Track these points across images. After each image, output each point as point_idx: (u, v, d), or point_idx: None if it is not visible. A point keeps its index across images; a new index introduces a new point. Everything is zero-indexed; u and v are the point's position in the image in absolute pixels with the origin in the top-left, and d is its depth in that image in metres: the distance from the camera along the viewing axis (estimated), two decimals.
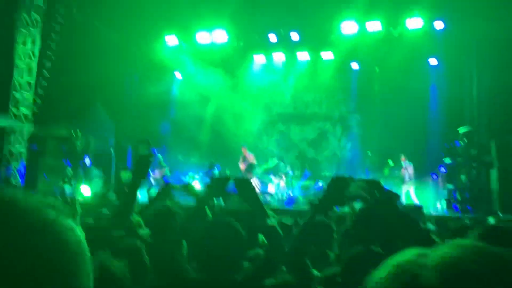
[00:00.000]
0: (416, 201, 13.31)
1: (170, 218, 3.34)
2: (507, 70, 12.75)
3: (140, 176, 2.86)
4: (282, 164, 16.42)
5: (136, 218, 3.03)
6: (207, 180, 14.26)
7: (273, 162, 16.43)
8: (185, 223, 2.69)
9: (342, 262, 2.07)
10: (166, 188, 3.88)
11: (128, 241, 2.71)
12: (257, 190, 13.21)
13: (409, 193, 13.72)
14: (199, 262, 2.22)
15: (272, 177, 15.92)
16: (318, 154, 18.19)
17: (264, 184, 16.02)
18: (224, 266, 2.11)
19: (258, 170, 16.62)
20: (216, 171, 14.79)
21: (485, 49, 14.05)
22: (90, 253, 0.78)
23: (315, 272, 2.32)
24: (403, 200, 12.94)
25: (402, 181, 13.91)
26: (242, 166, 15.08)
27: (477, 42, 14.21)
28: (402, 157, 14.26)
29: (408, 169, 14.05)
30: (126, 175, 3.38)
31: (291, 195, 14.99)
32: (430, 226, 5.56)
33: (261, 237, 3.18)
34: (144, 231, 3.35)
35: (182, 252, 2.75)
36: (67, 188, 13.45)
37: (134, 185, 2.83)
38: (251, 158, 15.10)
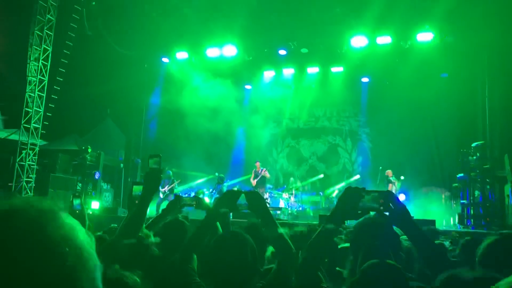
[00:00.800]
0: None
1: (180, 231, 3.32)
2: None
3: (150, 190, 2.83)
4: (292, 179, 16.35)
5: (145, 231, 2.98)
6: (216, 194, 14.22)
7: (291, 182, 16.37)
8: (195, 236, 2.64)
9: (358, 274, 1.99)
10: (175, 201, 3.83)
11: (140, 251, 2.67)
12: (268, 204, 13.12)
13: None
14: (210, 276, 2.18)
15: (282, 192, 15.86)
16: (328, 168, 18.07)
17: (274, 199, 15.95)
18: (236, 279, 2.07)
19: (269, 185, 16.59)
20: (225, 186, 14.74)
21: (495, 62, 13.96)
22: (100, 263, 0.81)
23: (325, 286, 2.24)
24: None
25: None
26: (253, 181, 15.00)
27: (488, 54, 14.14)
28: (389, 172, 14.15)
29: (394, 184, 13.97)
30: (137, 189, 3.35)
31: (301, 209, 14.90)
32: (446, 243, 5.43)
33: (270, 249, 3.12)
34: (154, 242, 3.31)
35: (192, 265, 2.70)
36: (76, 202, 13.40)
37: (144, 199, 2.80)
38: (264, 173, 15.03)
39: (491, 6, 12.66)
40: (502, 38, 13.11)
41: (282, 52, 16.37)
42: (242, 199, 2.58)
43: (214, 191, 14.87)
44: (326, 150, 18.70)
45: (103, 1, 14.77)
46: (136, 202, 2.83)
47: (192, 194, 15.01)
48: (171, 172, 14.85)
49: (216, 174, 15.36)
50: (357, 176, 15.59)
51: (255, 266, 2.17)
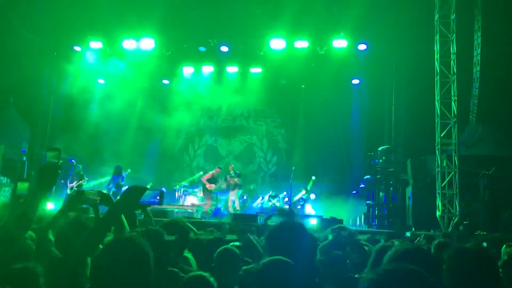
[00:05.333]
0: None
1: (81, 231, 3.01)
2: (420, 91, 13.55)
3: (45, 185, 2.54)
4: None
5: (30, 233, 2.72)
6: (114, 188, 13.42)
7: (198, 174, 16.17)
8: (89, 238, 2.38)
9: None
10: (76, 196, 3.47)
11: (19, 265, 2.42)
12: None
13: None
14: (97, 284, 1.95)
15: (196, 189, 15.71)
16: (244, 167, 18.19)
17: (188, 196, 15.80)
18: None
19: (183, 183, 16.38)
20: (123, 178, 13.83)
21: (402, 71, 14.89)
22: None
23: None
24: None
25: None
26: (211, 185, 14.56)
27: (396, 64, 15.04)
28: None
29: None
30: (22, 187, 2.97)
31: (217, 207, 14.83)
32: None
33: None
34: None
35: (84, 271, 2.44)
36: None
37: (37, 195, 2.51)
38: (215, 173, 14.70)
39: (400, 18, 13.45)
40: (409, 48, 14.00)
41: (202, 48, 16.18)
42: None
43: (110, 183, 13.73)
44: (242, 149, 18.82)
45: None
46: (21, 201, 2.55)
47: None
48: (80, 167, 14.09)
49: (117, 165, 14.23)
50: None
51: (148, 277, 1.97)
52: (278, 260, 2.24)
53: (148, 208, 3.39)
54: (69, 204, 3.54)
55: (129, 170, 14.30)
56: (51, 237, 3.16)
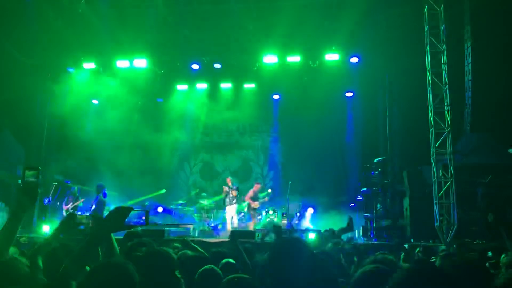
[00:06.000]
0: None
1: (67, 256, 2.98)
2: (414, 102, 13.61)
3: (23, 205, 2.51)
4: (204, 194, 16.21)
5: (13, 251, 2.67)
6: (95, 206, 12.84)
7: (194, 192, 16.11)
8: (74, 260, 2.30)
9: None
10: (68, 219, 3.43)
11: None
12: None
13: None
14: None
15: (192, 208, 15.67)
16: (241, 182, 18.12)
17: (185, 216, 15.71)
18: None
19: (180, 201, 16.28)
20: (102, 196, 13.04)
21: (395, 83, 14.99)
22: None
23: None
24: None
25: None
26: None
27: (388, 75, 15.14)
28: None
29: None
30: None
31: (212, 225, 14.72)
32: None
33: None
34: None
35: None
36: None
37: (16, 216, 2.48)
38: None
39: (391, 31, 13.58)
40: (401, 61, 14.11)
41: (195, 66, 16.26)
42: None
43: (93, 202, 12.94)
44: (239, 165, 18.79)
45: (2, 5, 13.68)
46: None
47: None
48: (76, 188, 13.98)
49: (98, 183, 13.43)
50: (269, 190, 15.77)
51: None
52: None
53: (138, 228, 3.34)
54: (61, 228, 3.48)
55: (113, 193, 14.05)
56: (40, 262, 3.11)
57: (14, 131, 15.86)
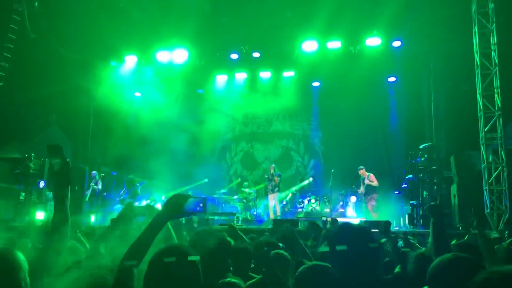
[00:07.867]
0: None
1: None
2: (460, 86, 13.14)
3: (62, 189, 2.58)
4: (246, 183, 16.27)
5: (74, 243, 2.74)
6: (130, 199, 12.78)
7: (236, 181, 16.20)
8: (134, 248, 2.33)
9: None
10: (126, 210, 3.49)
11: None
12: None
13: None
14: None
15: (235, 197, 15.74)
16: (282, 172, 18.08)
17: (227, 204, 15.84)
18: None
19: (223, 190, 16.41)
20: (138, 188, 13.01)
21: (439, 66, 14.48)
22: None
23: None
24: None
25: None
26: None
27: (433, 59, 14.64)
28: (362, 171, 14.18)
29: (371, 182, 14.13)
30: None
31: (255, 213, 14.80)
32: (400, 242, 5.49)
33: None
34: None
35: (132, 283, 2.41)
36: (20, 213, 12.75)
37: (60, 200, 2.56)
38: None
39: (435, 13, 13.10)
40: (446, 43, 13.63)
41: (234, 56, 16.28)
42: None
43: (125, 195, 12.88)
44: (279, 154, 18.74)
45: (47, 3, 14.08)
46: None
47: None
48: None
49: (128, 176, 13.55)
50: (310, 179, 15.66)
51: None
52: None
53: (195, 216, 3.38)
54: (120, 217, 3.55)
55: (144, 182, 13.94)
56: (103, 250, 3.18)
57: (61, 126, 16.40)
